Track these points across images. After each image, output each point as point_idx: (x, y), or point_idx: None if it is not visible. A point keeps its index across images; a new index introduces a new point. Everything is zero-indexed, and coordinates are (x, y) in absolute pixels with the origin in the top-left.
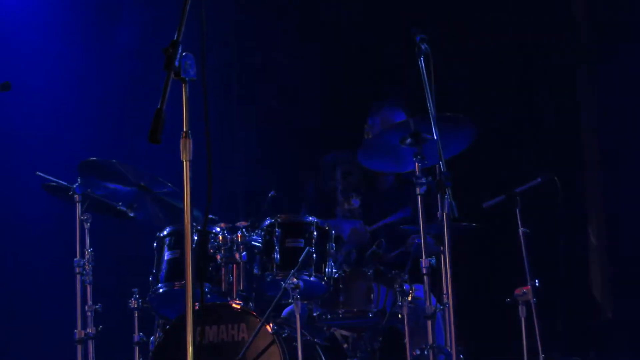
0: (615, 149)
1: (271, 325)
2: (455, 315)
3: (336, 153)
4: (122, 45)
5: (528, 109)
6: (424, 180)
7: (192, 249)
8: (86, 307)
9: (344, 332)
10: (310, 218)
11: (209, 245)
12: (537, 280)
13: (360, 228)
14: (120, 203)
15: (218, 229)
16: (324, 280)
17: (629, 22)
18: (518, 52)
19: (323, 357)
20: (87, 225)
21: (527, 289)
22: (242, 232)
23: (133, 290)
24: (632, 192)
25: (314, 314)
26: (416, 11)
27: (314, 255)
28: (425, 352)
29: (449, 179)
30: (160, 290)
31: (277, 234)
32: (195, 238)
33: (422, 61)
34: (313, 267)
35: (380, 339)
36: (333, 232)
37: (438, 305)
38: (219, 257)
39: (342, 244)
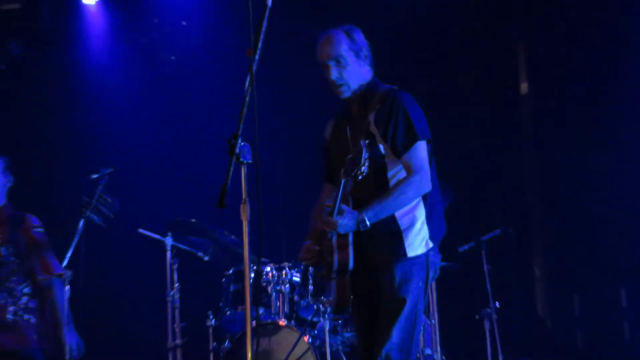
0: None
1: (307, 337)
2: (438, 328)
3: None
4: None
5: (491, 174)
6: None
7: (250, 284)
8: (175, 325)
9: None
10: None
11: (262, 280)
12: (497, 303)
13: None
14: (199, 252)
15: (268, 268)
16: None
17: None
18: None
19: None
20: (174, 267)
21: (490, 309)
22: (286, 270)
23: (208, 312)
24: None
25: (339, 329)
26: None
27: None
28: (418, 357)
29: None
30: (228, 312)
31: (310, 271)
32: (252, 275)
33: None
34: None
35: None
36: None
37: (426, 321)
38: (269, 288)
39: None
